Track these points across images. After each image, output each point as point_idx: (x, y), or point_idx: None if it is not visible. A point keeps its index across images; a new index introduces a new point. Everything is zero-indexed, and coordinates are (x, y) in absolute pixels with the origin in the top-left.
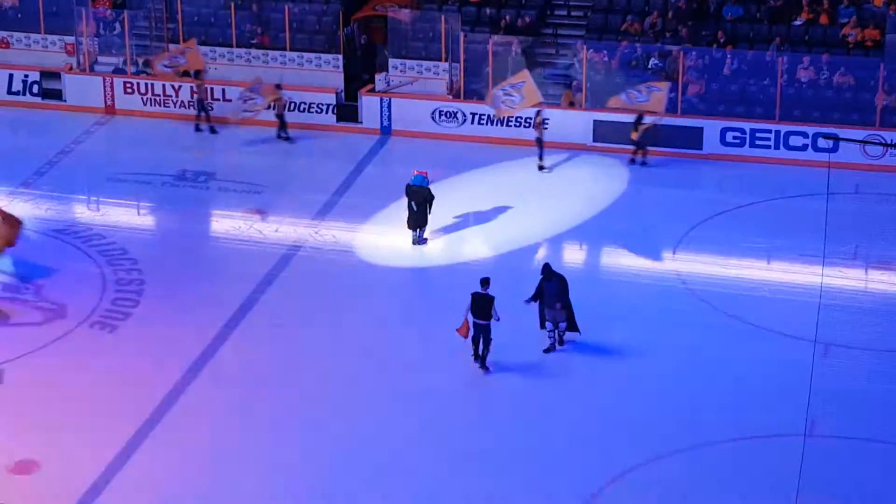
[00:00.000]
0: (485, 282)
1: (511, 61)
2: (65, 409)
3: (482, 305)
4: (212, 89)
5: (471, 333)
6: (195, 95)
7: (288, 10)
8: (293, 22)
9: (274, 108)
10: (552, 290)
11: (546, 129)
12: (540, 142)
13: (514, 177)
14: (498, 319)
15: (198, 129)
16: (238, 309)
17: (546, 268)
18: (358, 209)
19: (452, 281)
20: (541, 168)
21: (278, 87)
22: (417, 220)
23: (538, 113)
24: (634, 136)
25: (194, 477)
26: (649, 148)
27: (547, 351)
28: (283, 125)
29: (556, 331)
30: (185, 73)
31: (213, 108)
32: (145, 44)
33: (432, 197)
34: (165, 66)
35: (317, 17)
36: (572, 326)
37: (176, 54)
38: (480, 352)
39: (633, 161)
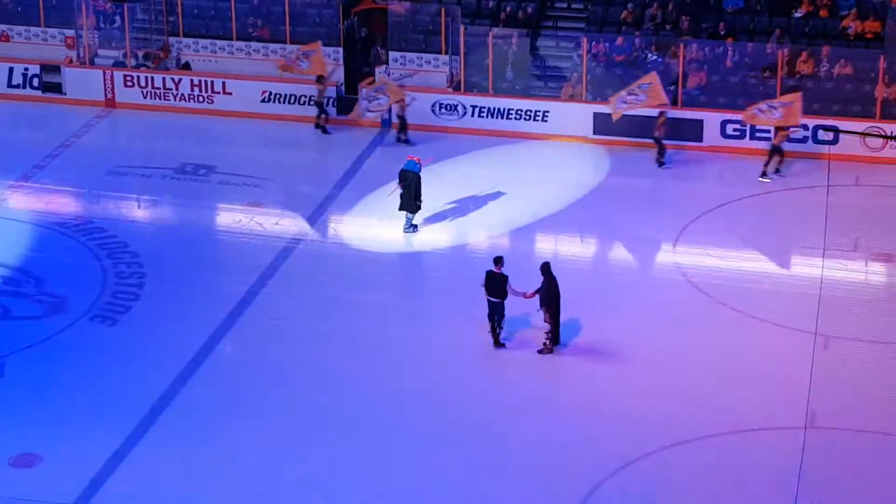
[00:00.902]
0: (498, 260)
1: (512, 54)
2: (65, 403)
3: (495, 284)
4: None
5: (486, 311)
6: (314, 98)
7: (288, 3)
8: (293, 14)
9: (396, 110)
10: (542, 291)
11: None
12: (659, 141)
13: (513, 167)
14: (526, 295)
15: (325, 130)
16: (239, 302)
17: (541, 267)
18: (358, 202)
19: (453, 268)
20: (660, 164)
21: (402, 86)
22: (405, 204)
23: (662, 113)
24: (775, 141)
25: (195, 470)
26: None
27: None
28: (403, 127)
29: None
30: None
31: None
32: (145, 37)
33: (418, 178)
34: (291, 65)
35: (317, 9)
36: (553, 336)
37: (300, 57)
38: (496, 329)
39: (777, 169)
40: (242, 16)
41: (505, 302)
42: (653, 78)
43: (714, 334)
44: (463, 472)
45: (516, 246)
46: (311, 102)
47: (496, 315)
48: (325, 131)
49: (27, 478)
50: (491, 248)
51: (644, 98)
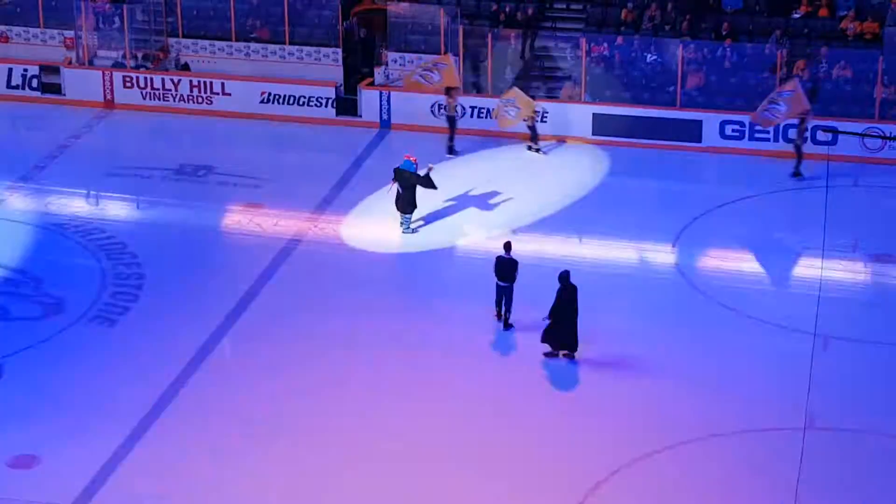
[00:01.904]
0: (507, 245)
1: (511, 55)
2: (64, 404)
3: (505, 268)
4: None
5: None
6: (445, 113)
7: (287, 4)
8: (292, 15)
9: (527, 121)
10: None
11: (805, 139)
12: (798, 149)
13: (512, 168)
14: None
15: (453, 150)
16: (238, 303)
17: (559, 275)
18: (357, 203)
19: (453, 268)
20: (797, 175)
21: (533, 98)
22: (403, 205)
23: (803, 120)
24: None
25: (194, 472)
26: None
27: (546, 355)
28: (534, 137)
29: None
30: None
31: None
32: (144, 38)
33: (417, 178)
34: (420, 78)
35: (316, 10)
36: (546, 336)
37: (430, 68)
38: (503, 313)
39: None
40: (241, 16)
41: (514, 286)
42: (794, 85)
43: (713, 335)
44: (460, 471)
45: (516, 246)
46: (442, 116)
47: (504, 298)
48: (452, 151)
49: (25, 479)
50: (490, 249)
51: (785, 108)
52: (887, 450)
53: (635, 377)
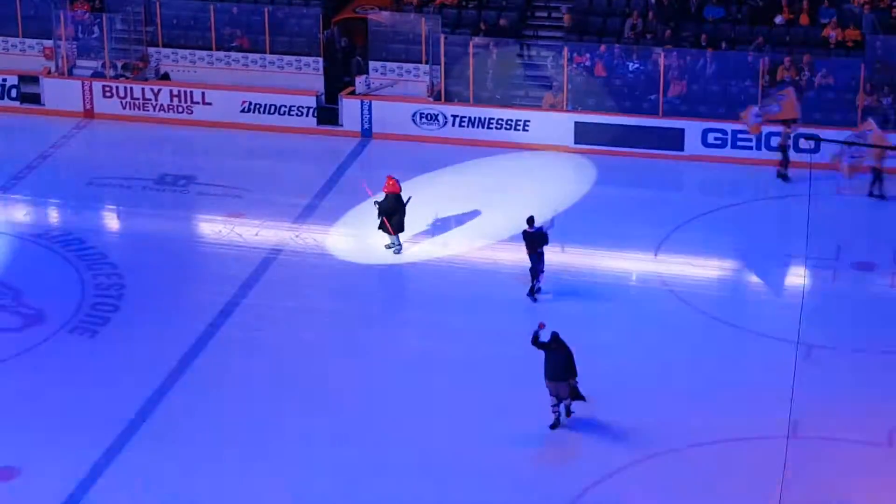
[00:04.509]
0: (530, 220)
1: (491, 63)
2: (45, 416)
3: (533, 241)
4: None
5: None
6: (780, 142)
7: (268, 13)
8: (273, 24)
9: (874, 162)
10: (556, 362)
11: None
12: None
13: (494, 177)
14: (552, 225)
15: (780, 175)
16: (219, 313)
17: (553, 337)
18: (338, 212)
19: (435, 279)
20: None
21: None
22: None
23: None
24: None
25: (175, 483)
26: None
27: (553, 427)
28: (880, 179)
29: (560, 405)
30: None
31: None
32: (124, 47)
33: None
34: (757, 117)
35: (297, 19)
36: (576, 395)
37: (769, 103)
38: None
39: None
40: (222, 26)
41: (542, 256)
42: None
43: (695, 344)
44: (450, 480)
45: (499, 256)
46: (777, 148)
47: (535, 268)
48: (786, 178)
49: (5, 491)
50: (473, 259)
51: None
52: (870, 458)
53: (617, 386)
